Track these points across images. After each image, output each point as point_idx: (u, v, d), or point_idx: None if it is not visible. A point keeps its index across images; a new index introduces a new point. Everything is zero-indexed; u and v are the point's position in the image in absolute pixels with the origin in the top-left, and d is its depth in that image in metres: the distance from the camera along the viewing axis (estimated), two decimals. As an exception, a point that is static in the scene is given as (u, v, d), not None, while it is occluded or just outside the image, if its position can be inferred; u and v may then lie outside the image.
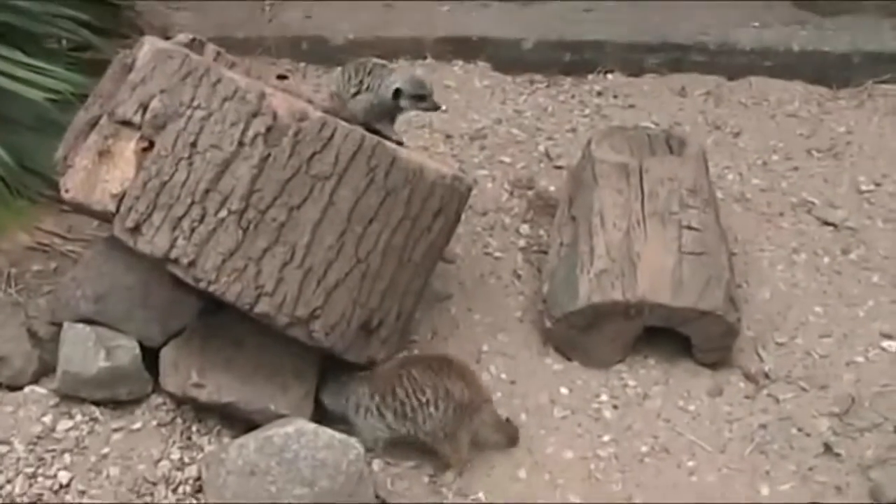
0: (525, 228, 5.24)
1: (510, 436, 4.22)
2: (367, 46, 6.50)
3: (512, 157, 5.79)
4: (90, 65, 5.25)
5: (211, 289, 3.82)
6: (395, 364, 4.18)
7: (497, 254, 5.09)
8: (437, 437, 4.04)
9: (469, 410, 4.05)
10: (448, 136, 5.91)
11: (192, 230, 3.81)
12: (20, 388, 4.24)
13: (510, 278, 4.97)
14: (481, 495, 4.03)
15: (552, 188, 5.50)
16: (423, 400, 4.02)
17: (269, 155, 3.83)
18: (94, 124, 4.08)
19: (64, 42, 5.61)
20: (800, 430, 4.28)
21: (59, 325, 4.21)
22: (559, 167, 5.69)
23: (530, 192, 5.48)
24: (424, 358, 4.29)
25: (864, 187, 5.61)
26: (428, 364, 4.12)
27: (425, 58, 6.62)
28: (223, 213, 3.81)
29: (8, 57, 4.95)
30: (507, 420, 4.25)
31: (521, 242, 5.17)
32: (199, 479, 3.95)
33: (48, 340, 4.27)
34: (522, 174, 5.63)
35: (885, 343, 4.67)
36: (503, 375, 4.50)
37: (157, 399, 4.22)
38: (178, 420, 4.18)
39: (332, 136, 3.87)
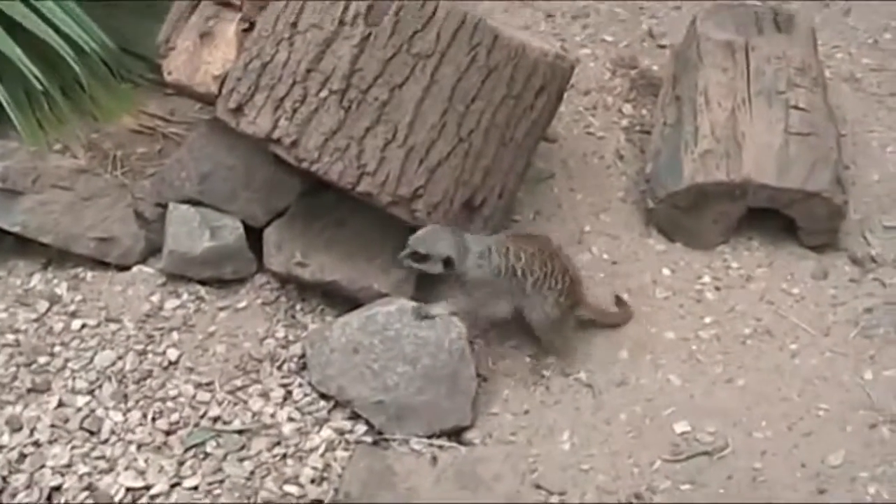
0: (628, 108, 5.17)
1: (624, 316, 4.22)
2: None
3: (614, 35, 5.68)
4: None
5: (313, 168, 3.84)
6: (522, 235, 4.15)
7: (599, 133, 5.03)
8: (546, 322, 4.00)
9: (575, 297, 4.05)
10: (549, 15, 5.81)
11: (294, 110, 3.82)
12: (128, 267, 4.32)
13: (613, 158, 4.91)
14: (582, 375, 4.05)
15: (655, 67, 5.41)
16: (552, 279, 3.95)
17: (370, 34, 3.81)
18: (195, 6, 4.11)
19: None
20: (906, 313, 4.23)
21: (165, 206, 4.27)
22: (662, 46, 5.59)
23: (633, 72, 5.39)
24: (539, 237, 4.16)
25: (980, 65, 5.44)
26: (546, 241, 4.08)
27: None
28: (325, 93, 3.81)
29: (110, -60, 4.96)
30: (620, 300, 4.25)
31: (624, 122, 5.10)
32: (303, 356, 4.02)
33: (154, 221, 4.33)
34: (625, 53, 5.54)
35: None
36: (605, 256, 4.48)
37: (261, 278, 4.28)
38: (283, 299, 4.24)
39: (434, 13, 3.84)
